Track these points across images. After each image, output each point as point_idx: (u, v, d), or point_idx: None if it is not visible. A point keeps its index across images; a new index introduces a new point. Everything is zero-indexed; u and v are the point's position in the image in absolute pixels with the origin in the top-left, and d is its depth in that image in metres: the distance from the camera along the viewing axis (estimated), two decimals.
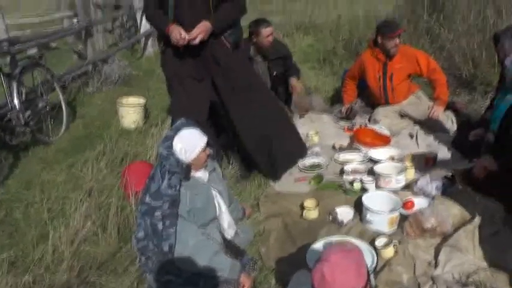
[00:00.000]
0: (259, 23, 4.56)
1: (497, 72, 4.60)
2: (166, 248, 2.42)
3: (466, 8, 6.08)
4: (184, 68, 3.46)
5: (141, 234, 2.51)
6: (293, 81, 4.85)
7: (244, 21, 3.74)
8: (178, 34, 3.14)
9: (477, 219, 2.77)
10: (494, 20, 5.56)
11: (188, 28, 3.18)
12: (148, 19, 3.64)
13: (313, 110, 4.97)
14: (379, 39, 4.44)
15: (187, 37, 3.14)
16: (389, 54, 4.42)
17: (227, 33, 3.38)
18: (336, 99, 5.44)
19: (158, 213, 2.45)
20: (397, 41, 4.36)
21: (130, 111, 5.10)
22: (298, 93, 4.88)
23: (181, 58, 3.43)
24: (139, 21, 9.21)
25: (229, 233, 2.67)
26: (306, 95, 5.39)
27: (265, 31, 4.50)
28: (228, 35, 3.39)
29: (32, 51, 6.85)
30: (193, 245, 2.43)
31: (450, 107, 4.61)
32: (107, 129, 5.10)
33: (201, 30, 3.16)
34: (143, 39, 9.09)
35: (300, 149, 3.98)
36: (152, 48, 8.87)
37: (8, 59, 5.14)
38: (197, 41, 3.17)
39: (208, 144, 2.54)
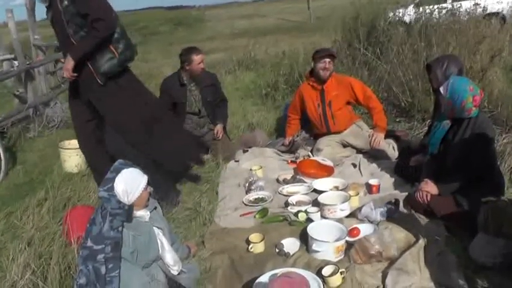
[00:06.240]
0: (190, 50, 4.76)
1: (432, 100, 4.80)
2: None
3: (399, 40, 6.37)
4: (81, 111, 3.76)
5: (83, 280, 2.42)
6: (217, 127, 4.97)
7: None
8: None
9: (421, 242, 2.86)
10: (426, 51, 5.84)
11: (61, 49, 3.62)
12: None
13: (257, 145, 5.03)
14: (313, 65, 4.63)
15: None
16: (320, 77, 4.57)
17: (96, 65, 3.43)
18: (279, 133, 5.53)
19: (100, 257, 2.38)
20: (326, 63, 4.51)
21: (72, 154, 4.96)
22: (221, 140, 4.95)
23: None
24: None
25: (175, 269, 2.62)
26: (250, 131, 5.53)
27: (197, 58, 4.71)
28: (98, 68, 3.44)
29: None
30: None
31: (391, 134, 4.76)
32: (49, 174, 4.94)
33: (64, 70, 3.44)
34: None
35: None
36: None
37: None
38: (68, 76, 3.45)
39: (148, 182, 2.51)
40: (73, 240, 3.14)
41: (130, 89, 3.63)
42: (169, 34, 24.85)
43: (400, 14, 7.42)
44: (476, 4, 6.46)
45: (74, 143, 5.15)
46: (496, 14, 9.84)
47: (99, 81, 3.45)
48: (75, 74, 3.42)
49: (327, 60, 4.53)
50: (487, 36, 5.68)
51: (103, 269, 2.37)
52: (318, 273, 2.66)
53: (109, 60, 3.44)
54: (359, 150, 4.67)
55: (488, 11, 6.82)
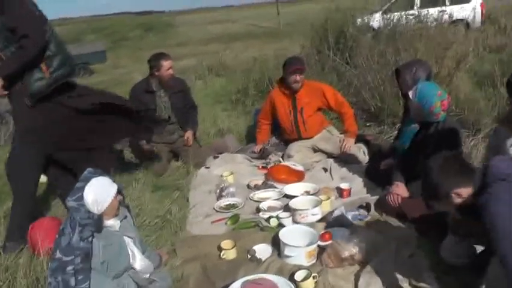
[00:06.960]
0: (159, 56, 4.73)
1: (401, 105, 4.88)
2: None
3: (368, 46, 6.46)
4: None
5: None
6: (187, 133, 4.95)
7: None
8: None
9: (393, 244, 2.89)
10: (394, 56, 5.93)
11: None
12: None
13: (228, 151, 5.03)
14: (284, 75, 4.64)
15: None
16: (292, 88, 4.59)
17: (25, 84, 3.21)
18: (250, 138, 5.54)
19: (70, 268, 2.32)
20: (297, 76, 4.53)
21: None
22: (191, 147, 4.94)
23: None
24: None
25: (147, 276, 2.60)
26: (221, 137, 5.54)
27: (166, 64, 4.68)
28: (26, 87, 3.21)
29: None
30: None
31: (361, 139, 4.81)
32: None
33: None
34: None
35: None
36: None
37: None
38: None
39: (118, 191, 2.47)
40: (41, 252, 3.07)
41: (67, 108, 3.40)
42: (139, 40, 24.68)
43: (368, 20, 7.54)
44: (443, 11, 6.63)
45: None
46: (461, 20, 10.13)
47: (28, 103, 3.23)
48: (5, 92, 3.21)
49: (297, 74, 4.54)
50: (453, 42, 5.82)
51: (72, 281, 2.31)
52: (291, 278, 2.65)
53: (38, 80, 3.20)
54: (329, 155, 4.70)
55: (454, 18, 7.02)
